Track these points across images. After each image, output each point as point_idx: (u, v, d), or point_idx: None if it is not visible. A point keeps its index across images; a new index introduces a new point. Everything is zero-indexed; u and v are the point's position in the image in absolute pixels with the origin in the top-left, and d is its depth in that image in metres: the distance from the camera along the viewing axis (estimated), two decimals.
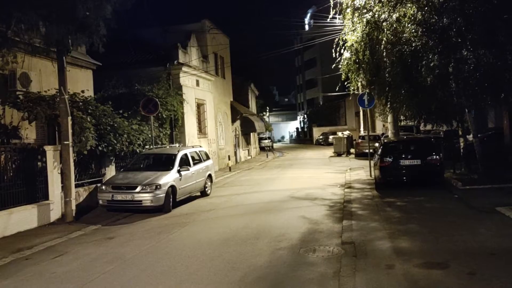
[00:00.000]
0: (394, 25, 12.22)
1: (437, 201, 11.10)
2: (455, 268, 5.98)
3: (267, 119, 60.93)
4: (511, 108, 14.47)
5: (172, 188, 12.13)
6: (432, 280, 5.66)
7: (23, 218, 10.14)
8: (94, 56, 15.49)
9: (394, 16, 11.99)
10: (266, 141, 48.76)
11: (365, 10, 13.22)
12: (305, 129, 68.51)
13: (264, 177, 20.15)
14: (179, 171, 12.70)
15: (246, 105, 36.47)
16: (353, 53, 14.64)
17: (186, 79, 21.34)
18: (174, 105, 19.12)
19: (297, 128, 76.50)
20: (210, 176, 15.15)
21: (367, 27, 13.27)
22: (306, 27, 66.91)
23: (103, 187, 12.01)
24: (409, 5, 11.43)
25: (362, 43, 13.82)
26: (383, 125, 31.27)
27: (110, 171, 13.85)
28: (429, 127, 20.85)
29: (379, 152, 14.48)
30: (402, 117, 18.70)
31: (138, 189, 11.51)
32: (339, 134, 36.10)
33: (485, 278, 5.61)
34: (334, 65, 16.21)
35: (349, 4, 13.47)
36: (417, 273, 5.90)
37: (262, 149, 44.68)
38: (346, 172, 20.02)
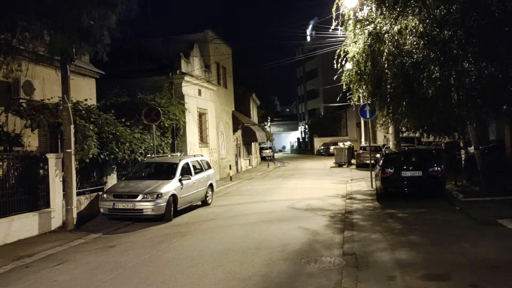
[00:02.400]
0: (396, 37, 12.28)
1: (439, 213, 11.08)
2: (457, 280, 5.96)
3: (268, 129, 61.02)
4: None
5: (173, 197, 12.13)
6: None
7: (24, 225, 10.14)
8: (97, 65, 15.60)
9: (396, 28, 12.05)
10: (267, 151, 48.72)
11: (367, 22, 13.29)
12: (306, 140, 68.62)
13: (265, 187, 20.13)
14: (180, 180, 12.70)
15: (248, 114, 36.55)
16: (354, 65, 14.70)
17: (188, 89, 21.43)
18: (176, 114, 19.19)
19: (298, 139, 76.59)
20: (211, 185, 15.15)
21: (369, 39, 13.33)
22: (308, 38, 67.33)
23: (105, 195, 12.02)
24: (411, 17, 11.50)
25: (364, 54, 13.87)
26: (384, 136, 31.28)
27: (112, 180, 13.86)
28: (430, 138, 20.85)
29: (380, 163, 14.49)
30: (403, 129, 18.72)
31: (139, 197, 11.52)
32: (340, 144, 36.09)
33: None
34: (335, 76, 16.29)
35: (351, 16, 13.56)
36: (419, 285, 5.88)
37: (263, 159, 44.68)
38: (347, 182, 20.01)
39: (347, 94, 16.78)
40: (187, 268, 7.26)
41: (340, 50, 14.62)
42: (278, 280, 6.44)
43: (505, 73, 10.63)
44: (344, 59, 14.91)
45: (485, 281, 5.88)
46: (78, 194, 11.84)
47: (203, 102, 23.55)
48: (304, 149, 65.27)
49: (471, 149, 15.29)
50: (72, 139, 11.13)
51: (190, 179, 13.23)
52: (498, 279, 5.97)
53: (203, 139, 23.74)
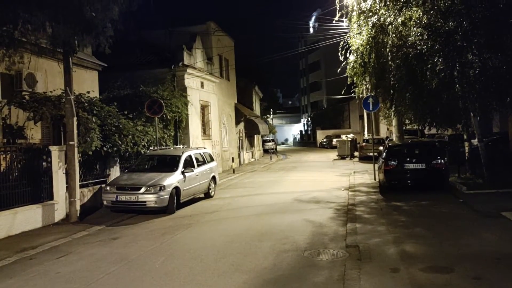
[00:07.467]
0: (400, 29, 12.20)
1: (442, 206, 11.04)
2: (460, 273, 5.95)
3: (271, 122, 60.91)
4: None
5: (176, 189, 12.14)
6: (437, 284, 5.63)
7: (28, 218, 10.17)
8: (99, 57, 15.57)
9: (400, 19, 11.97)
10: (270, 143, 48.70)
11: (371, 13, 13.21)
12: (309, 132, 68.52)
13: (267, 180, 20.14)
14: (183, 173, 12.70)
15: (250, 107, 36.49)
16: (358, 56, 14.63)
17: (191, 81, 21.38)
18: (178, 107, 19.16)
19: (300, 131, 76.51)
20: (214, 177, 15.14)
21: (373, 30, 13.26)
22: (311, 30, 66.98)
23: (108, 187, 12.03)
24: (415, 8, 11.42)
25: (368, 46, 13.79)
26: (388, 129, 31.21)
27: (115, 172, 13.87)
28: (433, 131, 20.78)
29: (383, 156, 14.44)
30: (407, 121, 18.67)
31: (142, 190, 11.52)
32: (343, 137, 36.04)
33: (490, 282, 5.59)
34: (338, 68, 16.22)
35: (355, 7, 13.47)
36: (422, 277, 5.88)
37: (265, 151, 44.66)
38: (350, 175, 19.98)
39: (351, 87, 16.71)
40: (190, 260, 7.27)
41: (344, 42, 14.55)
42: (281, 272, 6.44)
43: (510, 65, 10.55)
44: (348, 51, 14.83)
45: (489, 273, 5.87)
46: (81, 186, 11.87)
47: (205, 94, 23.51)
48: (306, 142, 65.20)
49: (475, 141, 15.23)
50: (75, 131, 11.13)
51: (192, 171, 13.24)
52: (501, 272, 5.96)
53: (205, 132, 23.72)
